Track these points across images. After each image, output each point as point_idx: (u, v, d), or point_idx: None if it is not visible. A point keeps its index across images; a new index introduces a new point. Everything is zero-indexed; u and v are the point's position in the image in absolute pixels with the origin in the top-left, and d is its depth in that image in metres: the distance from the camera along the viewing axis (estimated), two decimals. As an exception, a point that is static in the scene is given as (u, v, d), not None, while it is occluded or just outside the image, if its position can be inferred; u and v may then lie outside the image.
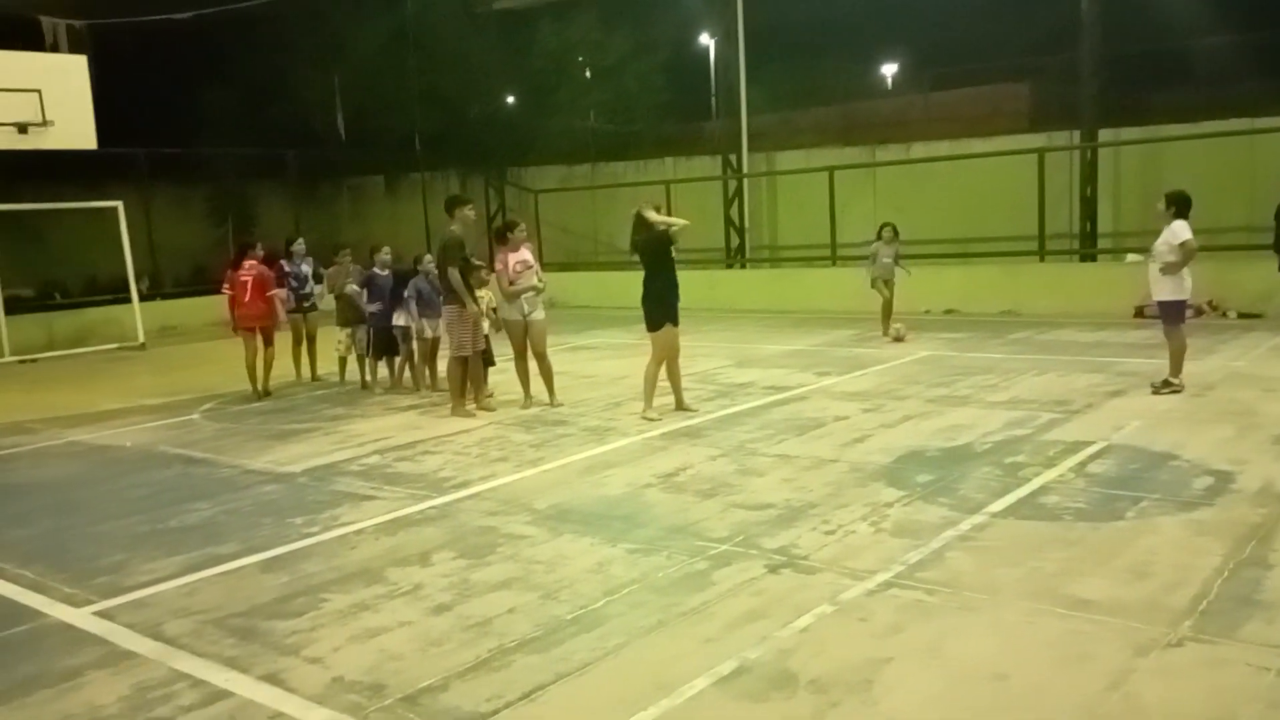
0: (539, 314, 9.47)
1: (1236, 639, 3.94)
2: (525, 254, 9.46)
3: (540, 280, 9.57)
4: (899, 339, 12.66)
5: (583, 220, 22.92)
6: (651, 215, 8.65)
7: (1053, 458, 6.73)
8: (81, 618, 5.02)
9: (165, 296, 20.70)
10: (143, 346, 17.28)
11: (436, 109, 25.20)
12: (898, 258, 13.23)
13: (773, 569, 5.04)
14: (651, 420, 8.64)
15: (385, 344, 11.24)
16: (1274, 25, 17.30)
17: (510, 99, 29.52)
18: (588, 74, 27.73)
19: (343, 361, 11.94)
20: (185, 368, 14.81)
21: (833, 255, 17.51)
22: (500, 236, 9.63)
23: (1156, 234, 8.56)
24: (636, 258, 8.88)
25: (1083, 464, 6.55)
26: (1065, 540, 5.17)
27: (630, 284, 17.36)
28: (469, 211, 9.55)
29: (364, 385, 11.37)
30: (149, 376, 14.20)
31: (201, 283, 23.36)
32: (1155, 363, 8.79)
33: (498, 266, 9.44)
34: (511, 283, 9.29)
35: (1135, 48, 18.37)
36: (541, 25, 25.86)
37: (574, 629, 4.48)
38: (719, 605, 4.63)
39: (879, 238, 13.28)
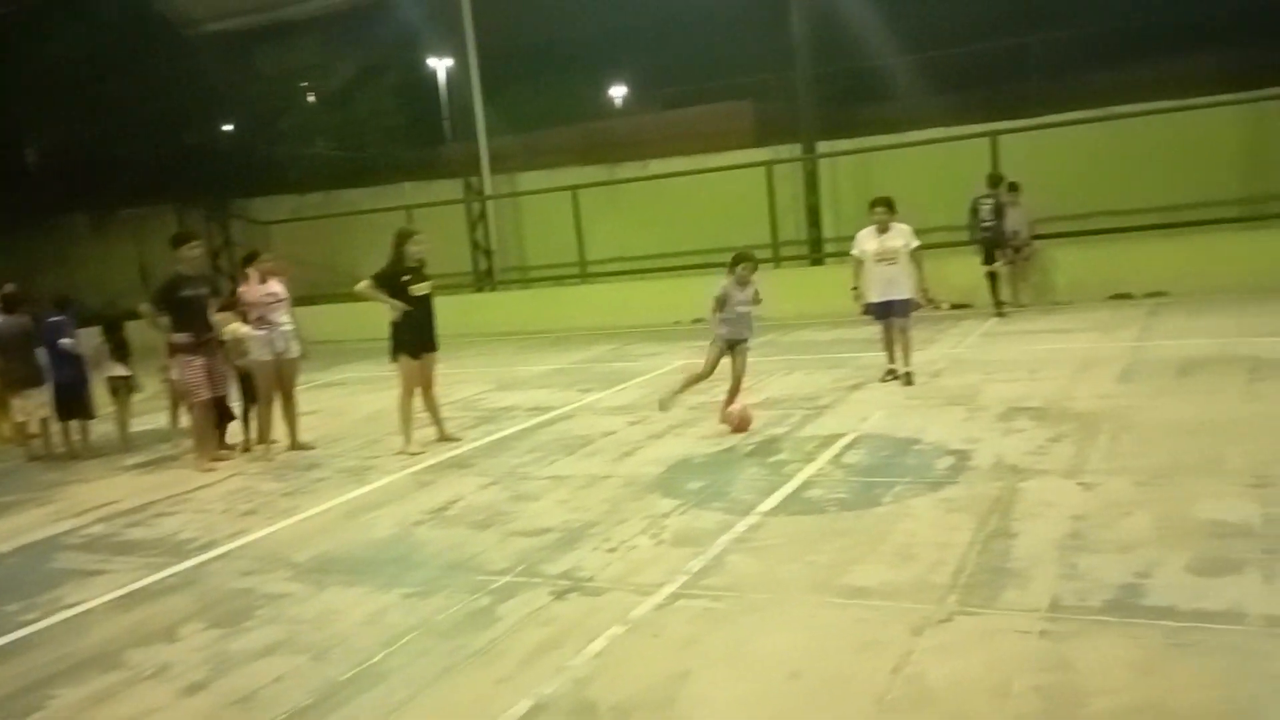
0: (294, 351, 8.84)
1: (998, 608, 4.20)
2: (275, 286, 8.80)
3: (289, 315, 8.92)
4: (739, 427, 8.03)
5: (320, 251, 21.78)
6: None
7: (811, 452, 7.02)
8: None
9: None
10: None
11: (148, 139, 23.21)
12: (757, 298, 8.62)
13: (559, 595, 4.89)
14: (413, 455, 8.26)
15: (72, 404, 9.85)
16: (960, 44, 19.20)
17: (229, 127, 27.71)
18: (311, 99, 26.53)
19: (22, 427, 10.13)
20: None
21: (582, 273, 17.66)
22: (243, 268, 8.87)
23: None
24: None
25: (838, 456, 6.86)
26: (834, 531, 5.36)
27: (374, 315, 16.82)
28: (192, 249, 8.75)
29: (72, 453, 9.88)
30: None
31: None
32: (883, 356, 9.41)
33: (248, 297, 8.68)
34: (260, 317, 8.59)
35: (844, 65, 19.81)
36: (259, 49, 24.48)
37: (352, 690, 4.13)
38: (508, 641, 4.42)
39: (732, 273, 8.56)
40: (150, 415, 10.72)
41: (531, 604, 4.82)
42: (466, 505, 6.68)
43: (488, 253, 19.77)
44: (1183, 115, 14.69)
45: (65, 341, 9.61)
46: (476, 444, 8.51)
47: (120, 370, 9.93)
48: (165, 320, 8.47)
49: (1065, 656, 3.71)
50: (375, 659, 4.39)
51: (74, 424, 9.92)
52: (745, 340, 8.30)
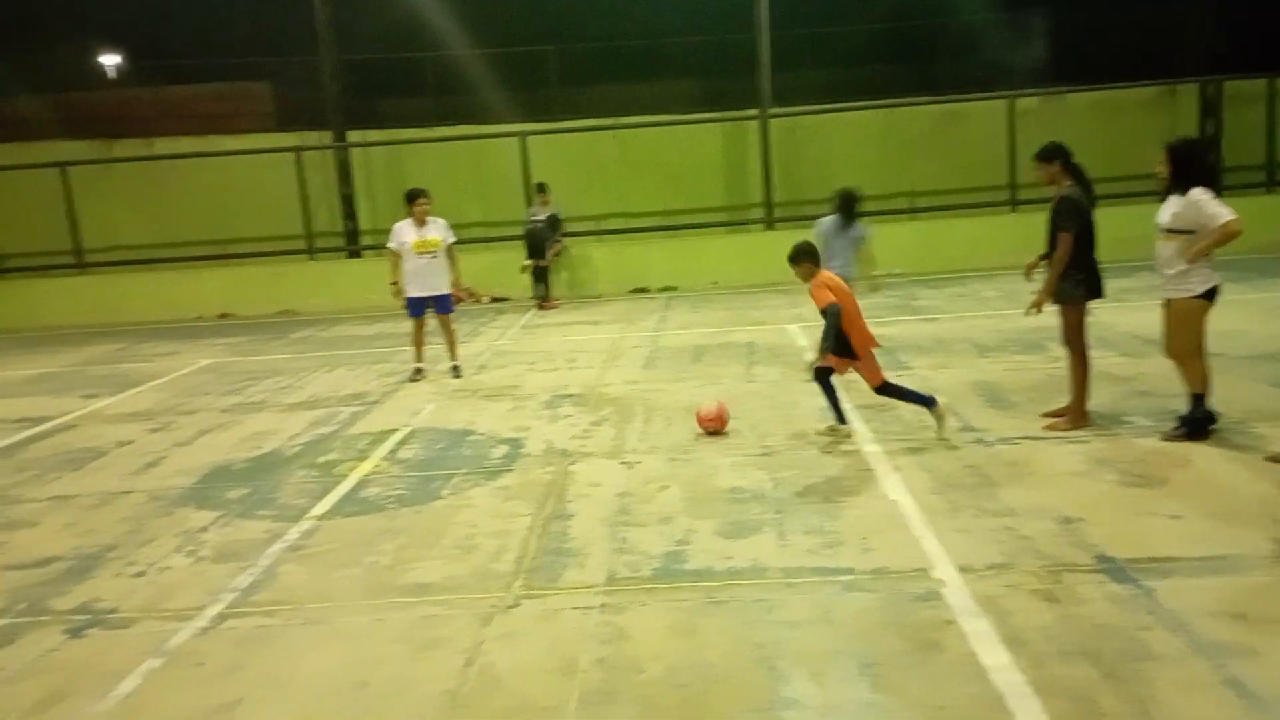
0: None
1: (560, 587, 4.35)
2: None
3: None
4: None
5: None
6: None
7: (364, 450, 6.76)
8: None
9: None
10: None
11: None
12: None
13: (74, 633, 4.19)
14: None
15: None
16: (490, 46, 19.73)
17: None
18: None
19: None
20: None
21: (77, 261, 15.44)
22: None
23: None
24: None
25: (393, 451, 6.69)
26: (393, 530, 5.20)
27: None
28: None
29: None
30: None
31: None
32: (435, 349, 9.39)
33: None
34: None
35: (369, 55, 19.42)
36: None
37: None
38: (7, 695, 3.70)
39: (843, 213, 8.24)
40: None
41: (37, 648, 4.09)
42: (-64, 540, 5.49)
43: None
44: (680, 129, 16.54)
45: None
46: (-57, 465, 7.04)
47: None
48: None
49: (622, 627, 3.94)
50: None
51: None
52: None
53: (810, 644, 3.70)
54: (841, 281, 6.22)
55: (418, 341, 9.14)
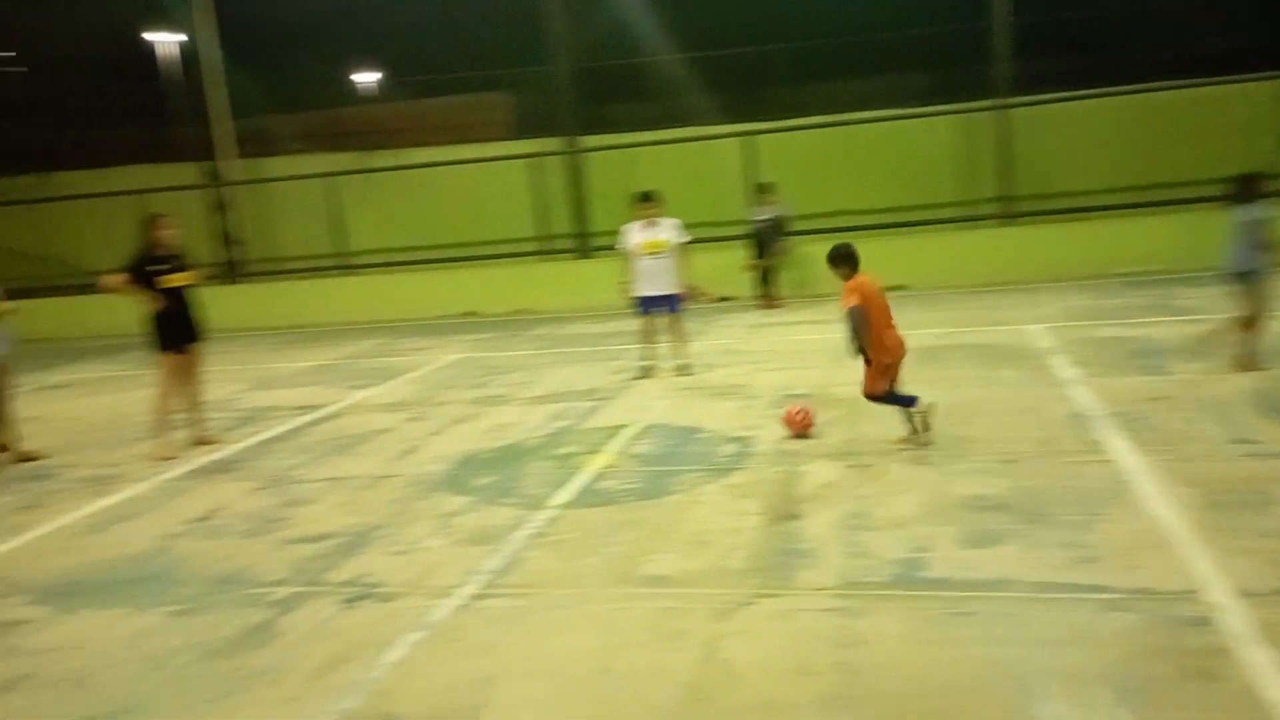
0: (7, 349, 7.84)
1: (795, 588, 4.35)
2: None
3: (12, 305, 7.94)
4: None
5: (31, 240, 19.65)
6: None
7: (598, 444, 7.02)
8: None
9: None
10: None
11: None
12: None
13: (348, 603, 4.60)
14: (165, 459, 7.56)
15: None
16: (710, 48, 19.95)
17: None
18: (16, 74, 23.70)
19: None
20: None
21: (343, 264, 16.87)
22: None
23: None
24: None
25: (626, 446, 6.91)
26: (630, 522, 5.38)
27: (99, 308, 15.26)
28: None
29: None
30: None
31: None
32: (661, 347, 9.58)
33: None
34: None
35: (602, 63, 20.08)
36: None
37: (118, 724, 3.69)
38: (294, 657, 4.11)
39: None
40: None
41: (317, 615, 4.51)
42: (233, 513, 6.18)
43: (233, 242, 18.45)
44: (909, 123, 16.05)
45: None
46: (238, 446, 7.90)
47: None
48: None
49: (860, 632, 3.89)
50: (142, 687, 3.96)
51: None
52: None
53: (1063, 663, 3.53)
54: (875, 287, 6.23)
55: (647, 339, 9.38)
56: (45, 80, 22.90)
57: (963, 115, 16.10)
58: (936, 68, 17.58)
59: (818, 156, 16.57)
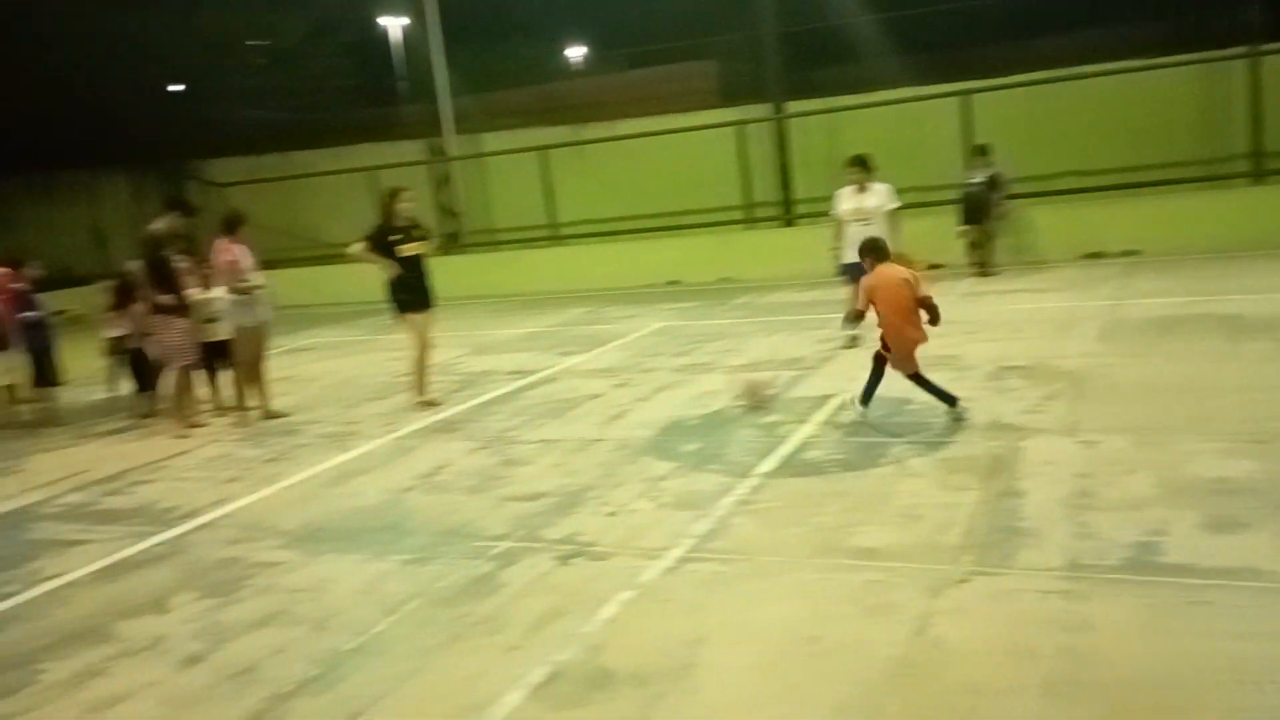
0: (264, 316, 8.61)
1: (1015, 568, 4.18)
2: (246, 251, 8.49)
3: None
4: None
5: (278, 214, 21.33)
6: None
7: (803, 413, 6.96)
8: None
9: None
10: None
11: (94, 100, 22.41)
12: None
13: (563, 560, 4.79)
14: (430, 405, 8.36)
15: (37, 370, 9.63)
16: (920, 5, 19.12)
17: (178, 87, 26.87)
18: (263, 60, 25.74)
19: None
20: None
21: (553, 236, 17.44)
22: (229, 228, 8.52)
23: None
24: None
25: (832, 416, 6.81)
26: (837, 492, 5.31)
27: (337, 277, 16.45)
28: (174, 217, 8.63)
29: (40, 420, 9.54)
30: None
31: None
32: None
33: (223, 261, 8.35)
34: (243, 280, 8.31)
35: (809, 25, 19.64)
36: (205, 5, 23.64)
37: (357, 660, 4.02)
38: (513, 608, 4.33)
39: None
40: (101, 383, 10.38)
41: (535, 569, 4.72)
42: (456, 470, 6.55)
43: (454, 215, 19.42)
44: (1143, 76, 14.79)
45: (29, 314, 9.31)
46: (459, 408, 8.36)
47: (118, 330, 9.55)
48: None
49: (1086, 617, 3.69)
50: (378, 628, 4.28)
51: (39, 391, 9.59)
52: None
53: (1322, 663, 3.22)
54: (891, 276, 6.37)
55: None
56: (287, 66, 24.76)
57: (1206, 66, 14.69)
58: (1170, 15, 16.10)
59: (1039, 115, 15.57)
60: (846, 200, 9.07)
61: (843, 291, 9.21)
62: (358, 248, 8.28)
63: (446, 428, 7.76)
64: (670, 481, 5.80)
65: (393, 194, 8.40)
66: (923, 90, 16.39)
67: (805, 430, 6.54)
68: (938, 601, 3.95)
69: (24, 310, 9.36)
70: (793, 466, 5.84)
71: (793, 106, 17.30)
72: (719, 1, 21.16)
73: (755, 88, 18.35)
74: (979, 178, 13.26)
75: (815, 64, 19.68)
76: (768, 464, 5.90)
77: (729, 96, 20.69)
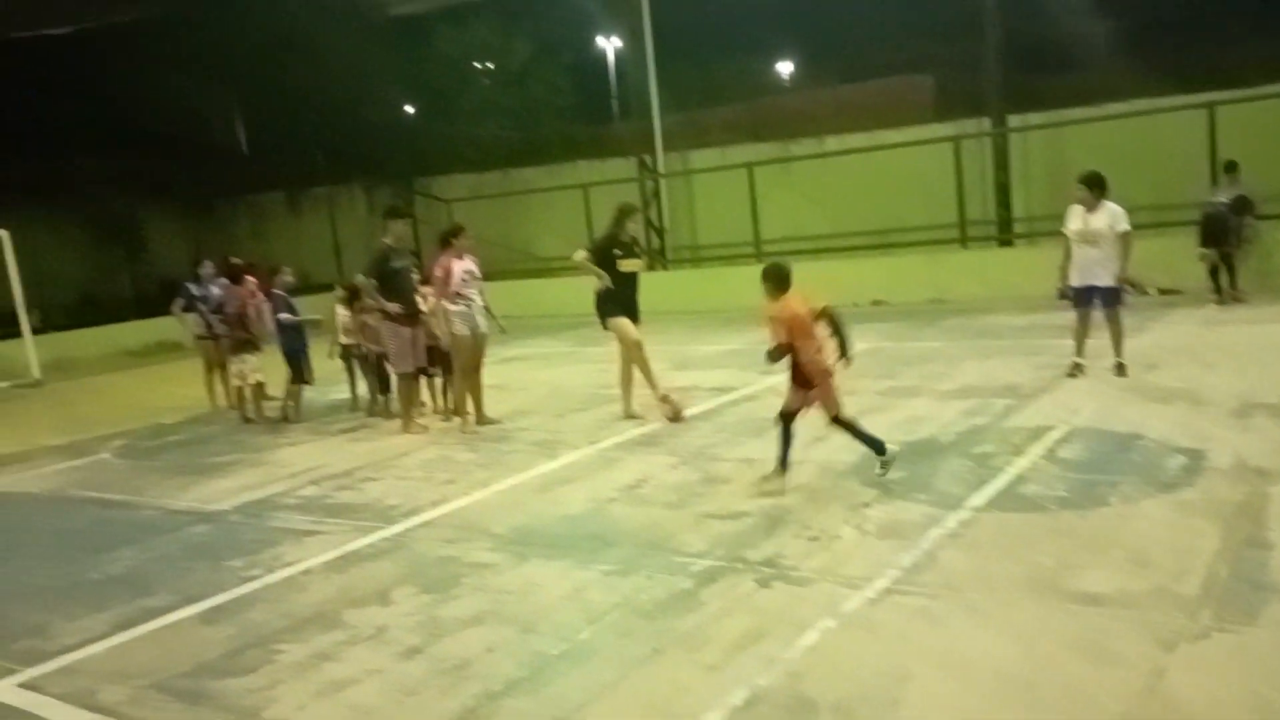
0: (484, 326, 9.07)
1: (1260, 625, 3.82)
2: (470, 264, 8.99)
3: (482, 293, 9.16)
4: None
5: (496, 228, 22.41)
6: (577, 257, 8.56)
7: (1019, 445, 6.62)
8: (5, 691, 4.46)
9: (57, 329, 19.43)
10: (39, 383, 16.17)
11: (336, 120, 24.41)
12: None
13: (763, 583, 4.77)
14: (635, 417, 8.58)
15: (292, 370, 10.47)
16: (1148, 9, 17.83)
17: (411, 108, 28.80)
18: (488, 81, 27.13)
19: (240, 391, 10.74)
20: (87, 403, 13.90)
21: (757, 252, 17.42)
22: (444, 243, 9.06)
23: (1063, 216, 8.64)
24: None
25: (1051, 450, 6.45)
26: (1056, 531, 5.03)
27: (549, 290, 17.07)
28: (400, 224, 9.15)
29: (284, 417, 10.44)
30: (48, 415, 13.24)
31: (92, 313, 22.15)
32: (1095, 343, 8.79)
33: (437, 273, 8.88)
34: (457, 293, 8.79)
35: (1030, 34, 18.75)
36: (440, 30, 25.22)
37: (563, 665, 4.14)
38: (714, 627, 4.34)
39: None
40: (335, 385, 11.18)
41: (735, 589, 4.72)
42: (657, 484, 6.65)
43: (660, 231, 19.77)
44: None
45: (284, 316, 10.19)
46: (661, 423, 8.48)
47: (350, 337, 10.39)
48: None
49: (1349, 687, 3.33)
50: (582, 635, 4.40)
51: (290, 389, 10.47)
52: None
53: None
54: (800, 308, 5.93)
55: (1078, 335, 8.68)
56: (510, 86, 25.99)
57: None
58: None
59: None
60: (1074, 219, 8.59)
61: (1068, 316, 8.71)
62: (582, 256, 8.56)
63: (648, 441, 7.90)
64: (875, 509, 5.66)
65: (626, 210, 8.72)
66: (1160, 103, 15.32)
67: (1021, 463, 6.22)
68: (1171, 656, 3.66)
69: (282, 313, 10.26)
70: (1007, 501, 5.57)
71: (1014, 120, 16.56)
72: (938, 12, 20.59)
73: (974, 101, 17.70)
74: (1223, 197, 12.23)
75: (1038, 74, 18.75)
76: (979, 497, 5.66)
77: (944, 110, 20.07)
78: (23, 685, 4.51)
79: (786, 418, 6.20)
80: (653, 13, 19.66)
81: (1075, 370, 8.61)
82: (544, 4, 24.96)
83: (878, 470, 6.15)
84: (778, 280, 6.09)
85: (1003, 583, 4.48)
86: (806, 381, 6.06)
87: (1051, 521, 5.17)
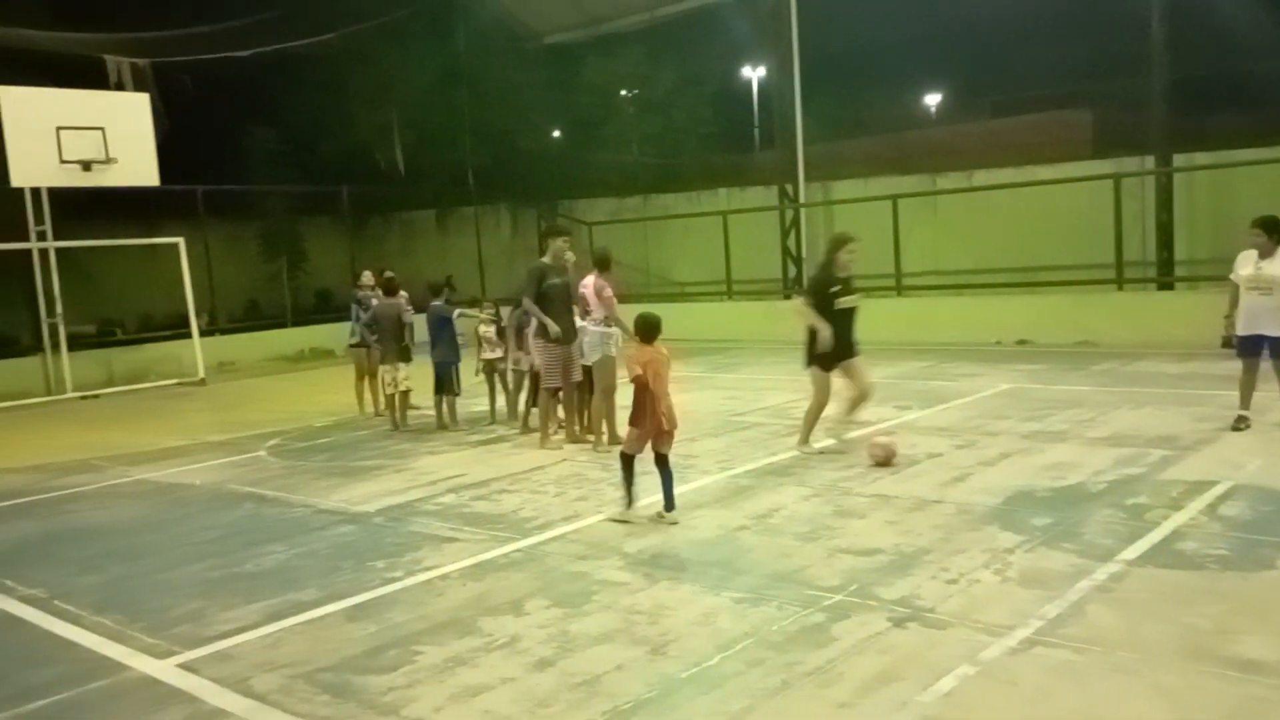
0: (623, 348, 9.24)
1: None
2: (613, 286, 9.17)
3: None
4: None
5: (633, 252, 22.73)
6: (797, 306, 8.46)
7: (1177, 499, 6.30)
8: (165, 670, 4.77)
9: (222, 332, 20.71)
10: (203, 382, 17.26)
11: (487, 143, 25.32)
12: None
13: (897, 623, 4.67)
14: (810, 451, 8.39)
15: (443, 381, 10.84)
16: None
17: (558, 133, 29.60)
18: (633, 109, 27.65)
19: (392, 399, 11.19)
20: (246, 403, 14.73)
21: (897, 285, 17.11)
22: (600, 265, 9.22)
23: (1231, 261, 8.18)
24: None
25: (1213, 506, 6.11)
26: (1215, 592, 4.76)
27: (684, 315, 17.14)
28: (561, 243, 9.31)
29: (440, 425, 10.80)
30: (211, 412, 14.09)
31: (256, 318, 23.54)
32: (1261, 396, 8.29)
33: (590, 294, 9.00)
34: (605, 315, 8.98)
35: (1197, 71, 17.89)
36: (589, 59, 25.86)
37: (691, 690, 4.16)
38: (845, 664, 4.28)
39: None
40: (475, 398, 11.52)
41: (868, 628, 4.64)
42: (788, 515, 6.61)
43: (798, 260, 19.66)
44: None
45: (456, 324, 10.67)
46: (793, 454, 8.42)
47: (495, 351, 10.75)
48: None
49: None
50: (711, 661, 4.40)
51: (437, 399, 10.86)
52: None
53: None
54: (654, 354, 6.56)
55: (1244, 386, 8.20)
56: (655, 113, 26.43)
57: None
58: None
59: None
60: (1245, 265, 8.13)
61: (1231, 366, 8.25)
62: (801, 307, 8.14)
63: (780, 471, 7.85)
64: (1017, 555, 5.47)
65: (839, 241, 8.20)
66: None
67: (1179, 518, 5.91)
68: (1342, 736, 3.42)
69: (438, 326, 10.70)
70: (1162, 556, 5.30)
71: (1179, 159, 15.80)
72: (1099, 47, 19.90)
73: (1136, 138, 16.97)
74: None
75: (1206, 112, 17.90)
76: (1132, 550, 5.40)
77: (1103, 147, 19.34)
78: (181, 666, 4.81)
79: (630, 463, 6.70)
80: (801, 43, 19.62)
81: (1240, 423, 8.13)
82: (691, 34, 25.27)
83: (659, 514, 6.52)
84: (649, 330, 6.78)
85: (1154, 643, 4.27)
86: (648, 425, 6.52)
87: (1210, 582, 4.89)
